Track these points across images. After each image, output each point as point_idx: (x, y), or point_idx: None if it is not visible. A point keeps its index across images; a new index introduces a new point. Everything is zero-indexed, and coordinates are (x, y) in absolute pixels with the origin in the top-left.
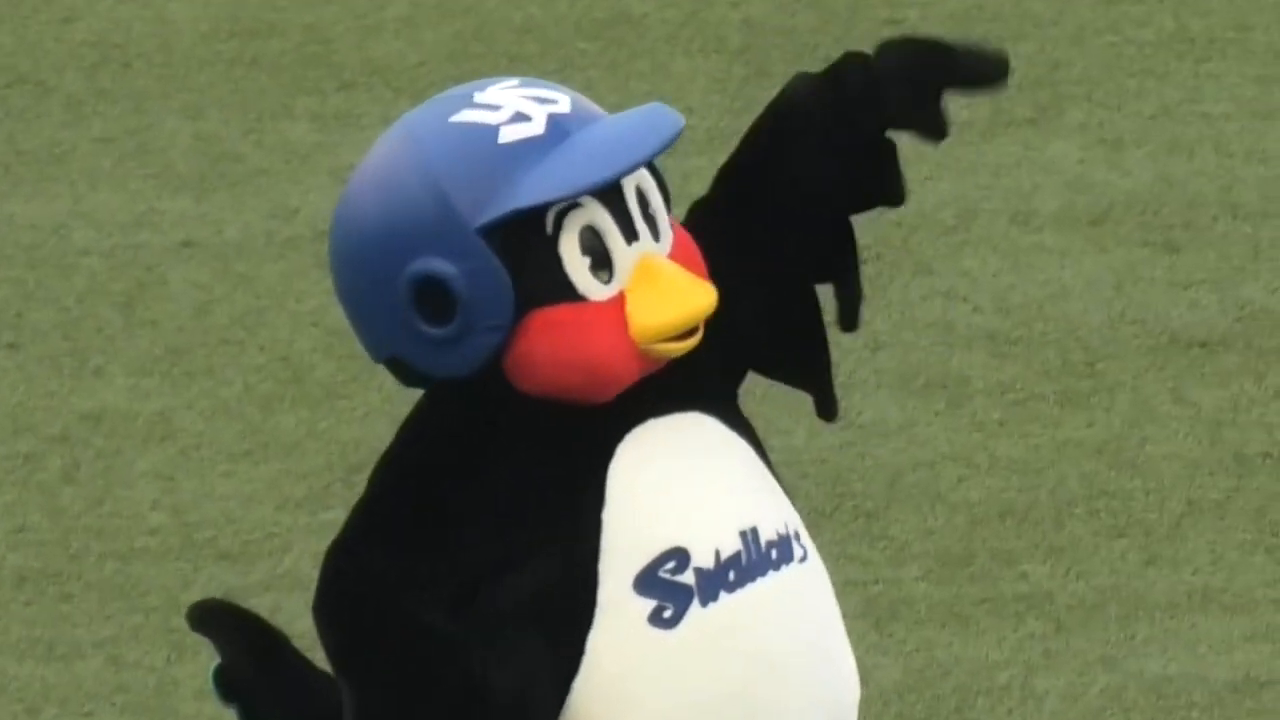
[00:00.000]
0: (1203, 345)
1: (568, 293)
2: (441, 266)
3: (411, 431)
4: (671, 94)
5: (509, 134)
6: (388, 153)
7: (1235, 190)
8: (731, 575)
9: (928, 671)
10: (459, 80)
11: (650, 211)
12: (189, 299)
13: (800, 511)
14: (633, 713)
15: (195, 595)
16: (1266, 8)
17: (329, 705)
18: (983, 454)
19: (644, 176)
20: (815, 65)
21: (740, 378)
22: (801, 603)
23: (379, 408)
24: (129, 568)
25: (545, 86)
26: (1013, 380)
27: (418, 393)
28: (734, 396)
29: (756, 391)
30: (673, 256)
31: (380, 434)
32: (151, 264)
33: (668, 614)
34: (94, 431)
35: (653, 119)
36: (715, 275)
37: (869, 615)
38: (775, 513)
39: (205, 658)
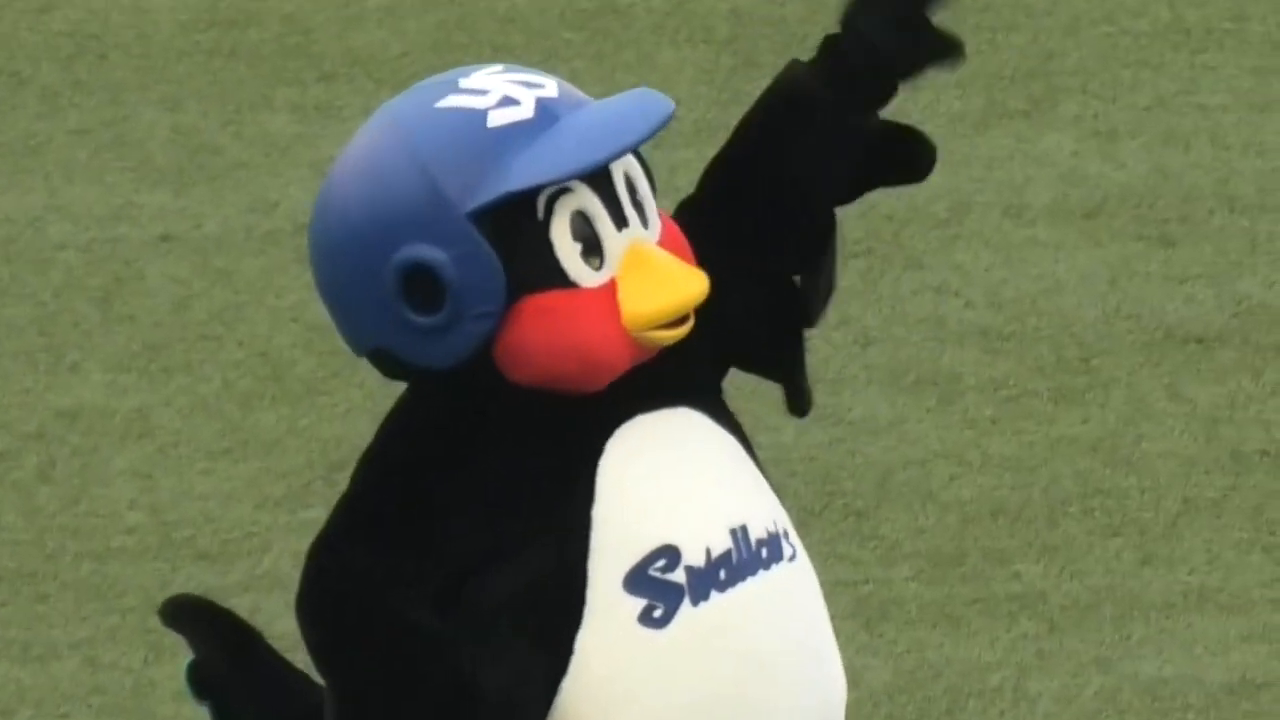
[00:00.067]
0: (1199, 341)
1: (559, 279)
2: (430, 253)
3: (395, 425)
4: (658, 85)
5: (497, 118)
6: (372, 140)
7: (1232, 183)
8: (722, 574)
9: (919, 673)
10: (442, 71)
11: (638, 199)
12: (167, 294)
13: (789, 510)
14: (622, 713)
15: None
16: None
17: (303, 703)
18: (975, 451)
19: (632, 164)
20: (804, 55)
21: (725, 371)
22: (791, 602)
23: (360, 404)
24: (106, 567)
25: (531, 72)
26: (1005, 376)
27: (400, 388)
28: (720, 391)
29: (745, 388)
30: (661, 245)
31: (362, 431)
32: (129, 258)
33: (658, 613)
34: (70, 429)
35: (643, 103)
36: (705, 267)
37: (859, 615)
38: (764, 511)
39: (183, 659)
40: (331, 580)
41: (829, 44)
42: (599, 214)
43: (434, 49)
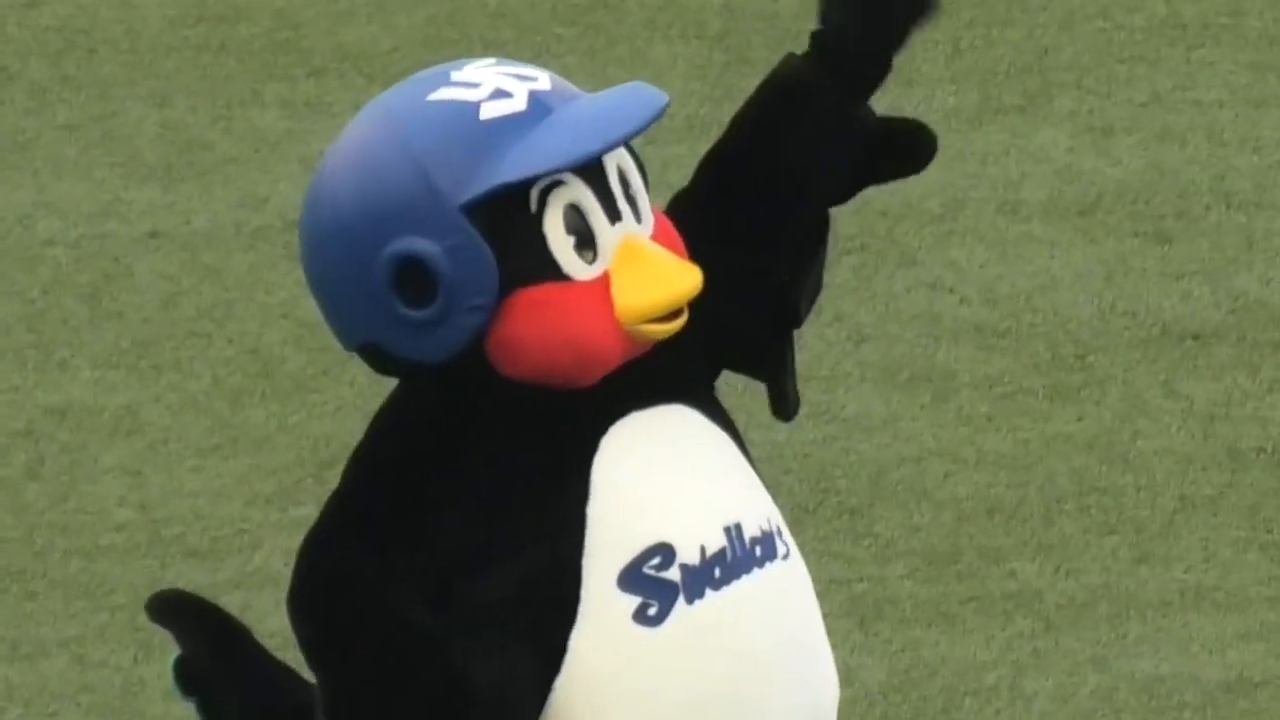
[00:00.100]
0: (1195, 337)
1: (552, 271)
2: (423, 245)
3: (387, 421)
4: (650, 81)
5: (490, 110)
6: (364, 133)
7: (1228, 179)
8: (717, 572)
9: (914, 672)
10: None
11: (631, 193)
12: (156, 290)
13: (783, 508)
14: (616, 711)
15: None
16: None
17: (291, 699)
18: (970, 449)
19: (624, 158)
20: (797, 50)
21: (718, 369)
22: (785, 601)
23: (351, 402)
24: (95, 565)
25: (523, 65)
26: (1000, 373)
27: (390, 385)
28: (713, 388)
29: (738, 385)
30: (654, 239)
31: (352, 428)
32: (118, 255)
33: (652, 611)
34: (59, 426)
35: (637, 96)
36: (698, 263)
37: (853, 614)
38: (758, 509)
39: (172, 656)
40: (323, 576)
41: (814, 38)
42: (592, 207)
43: (424, 44)
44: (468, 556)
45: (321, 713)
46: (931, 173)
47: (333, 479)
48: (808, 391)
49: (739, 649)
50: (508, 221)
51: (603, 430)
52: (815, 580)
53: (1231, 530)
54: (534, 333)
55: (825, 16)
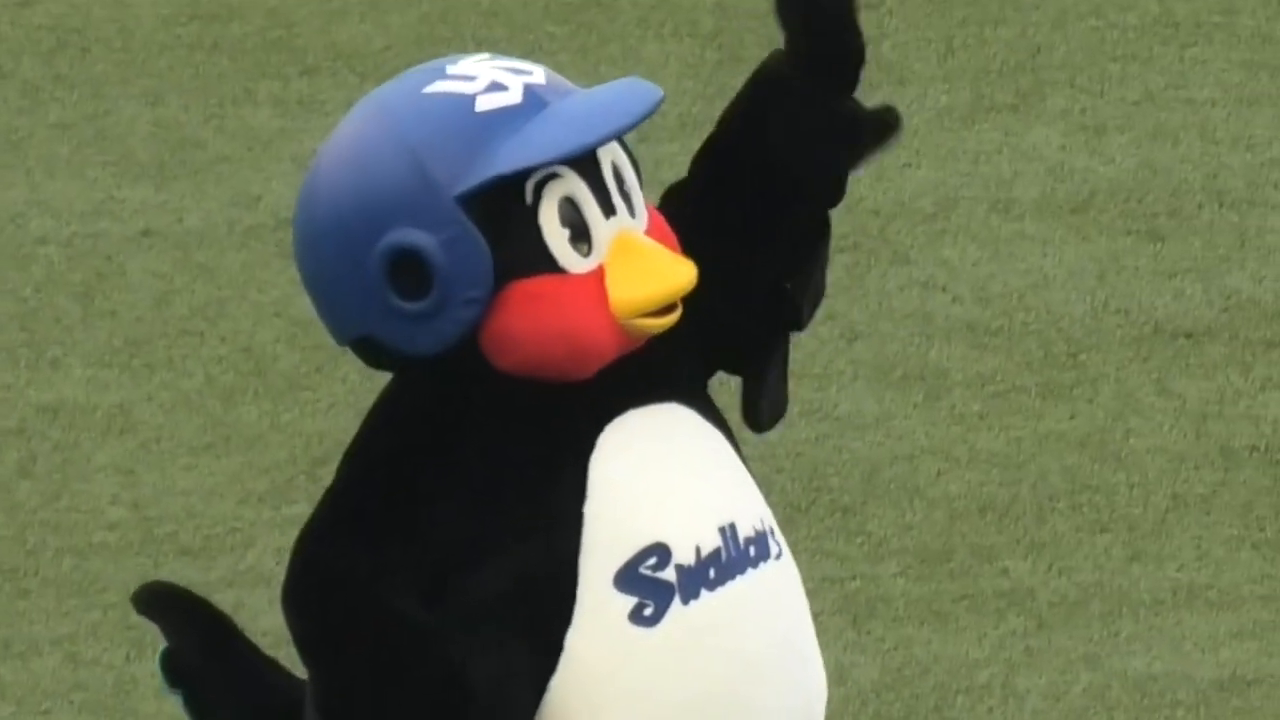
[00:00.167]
0: (1188, 336)
1: (547, 264)
2: (418, 237)
3: (380, 416)
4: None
5: (486, 103)
6: (359, 126)
7: (1221, 177)
8: (712, 573)
9: (906, 670)
10: None
11: (625, 189)
12: (149, 289)
13: (776, 506)
14: (612, 711)
15: None
16: None
17: (277, 692)
18: (962, 447)
19: (619, 154)
20: None
21: (712, 369)
22: (778, 601)
23: (343, 399)
24: (87, 563)
25: (517, 60)
26: (993, 372)
27: (383, 383)
28: (706, 387)
29: (731, 383)
30: (648, 234)
31: (345, 426)
32: (110, 253)
33: (648, 611)
34: (51, 424)
35: (632, 90)
36: (693, 259)
37: (846, 612)
38: (752, 508)
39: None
40: (318, 572)
41: (791, 32)
42: (587, 200)
43: (417, 43)
44: (462, 549)
45: (314, 709)
46: (924, 171)
47: (325, 477)
48: (800, 389)
49: (734, 650)
50: (503, 213)
51: (599, 428)
52: (808, 578)
53: (1224, 528)
54: (528, 325)
55: (779, 18)
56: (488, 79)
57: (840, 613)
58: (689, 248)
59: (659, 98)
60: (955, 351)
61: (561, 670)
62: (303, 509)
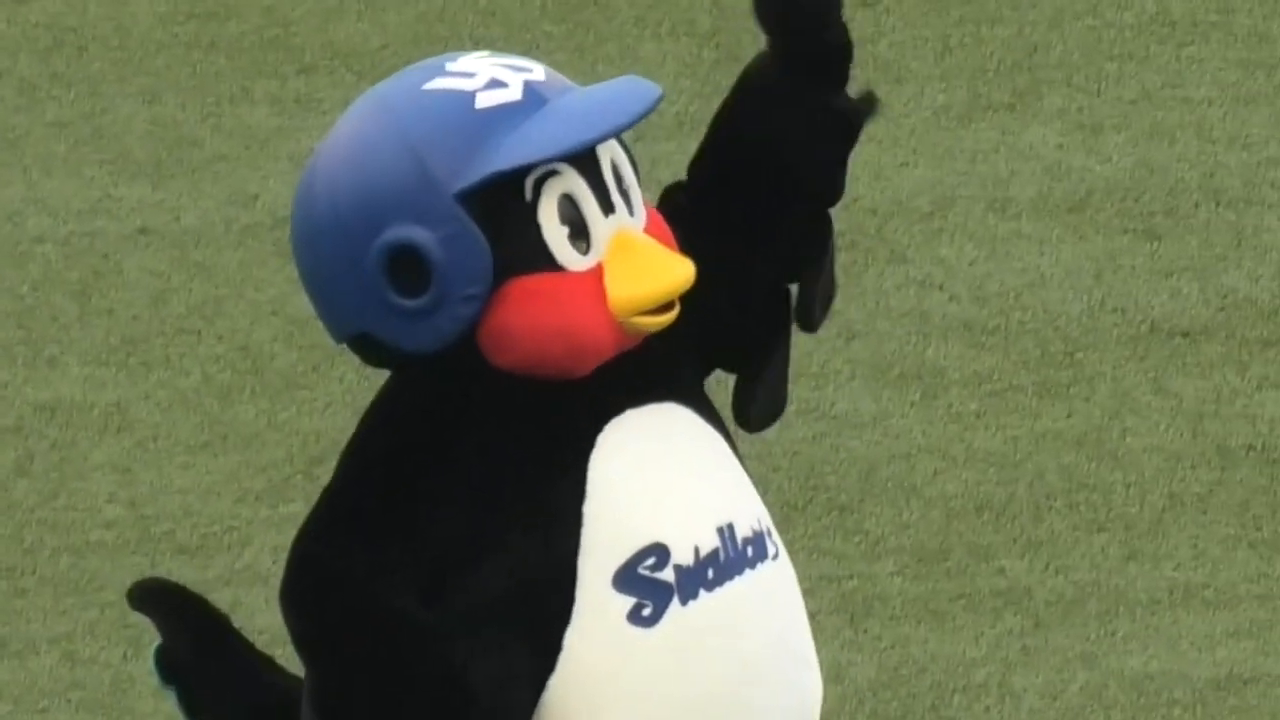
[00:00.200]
0: (1184, 335)
1: (546, 261)
2: (417, 234)
3: (378, 414)
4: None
5: (486, 100)
6: (359, 122)
7: (1217, 176)
8: (710, 573)
9: (903, 669)
10: None
11: (624, 187)
12: (145, 287)
13: (773, 505)
14: (610, 711)
15: None
16: None
17: (271, 690)
18: (959, 446)
19: (618, 152)
20: None
21: (710, 369)
22: (774, 602)
23: (340, 398)
24: (84, 562)
25: (517, 57)
26: (990, 371)
27: (380, 381)
28: (704, 386)
29: (727, 381)
30: (646, 233)
31: (342, 425)
32: (107, 252)
33: (647, 612)
34: (48, 422)
35: (631, 87)
36: (692, 258)
37: (843, 611)
38: (749, 509)
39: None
40: (316, 570)
41: (770, 29)
42: (586, 198)
43: (414, 41)
44: (460, 547)
45: (312, 709)
46: (921, 170)
47: (322, 476)
48: (797, 388)
49: (732, 650)
50: (502, 210)
51: (599, 426)
52: (805, 577)
53: (1220, 528)
54: (526, 322)
55: (758, 19)
56: (488, 76)
57: (837, 611)
58: (689, 247)
59: (658, 96)
60: (952, 350)
61: (560, 670)
62: (299, 508)
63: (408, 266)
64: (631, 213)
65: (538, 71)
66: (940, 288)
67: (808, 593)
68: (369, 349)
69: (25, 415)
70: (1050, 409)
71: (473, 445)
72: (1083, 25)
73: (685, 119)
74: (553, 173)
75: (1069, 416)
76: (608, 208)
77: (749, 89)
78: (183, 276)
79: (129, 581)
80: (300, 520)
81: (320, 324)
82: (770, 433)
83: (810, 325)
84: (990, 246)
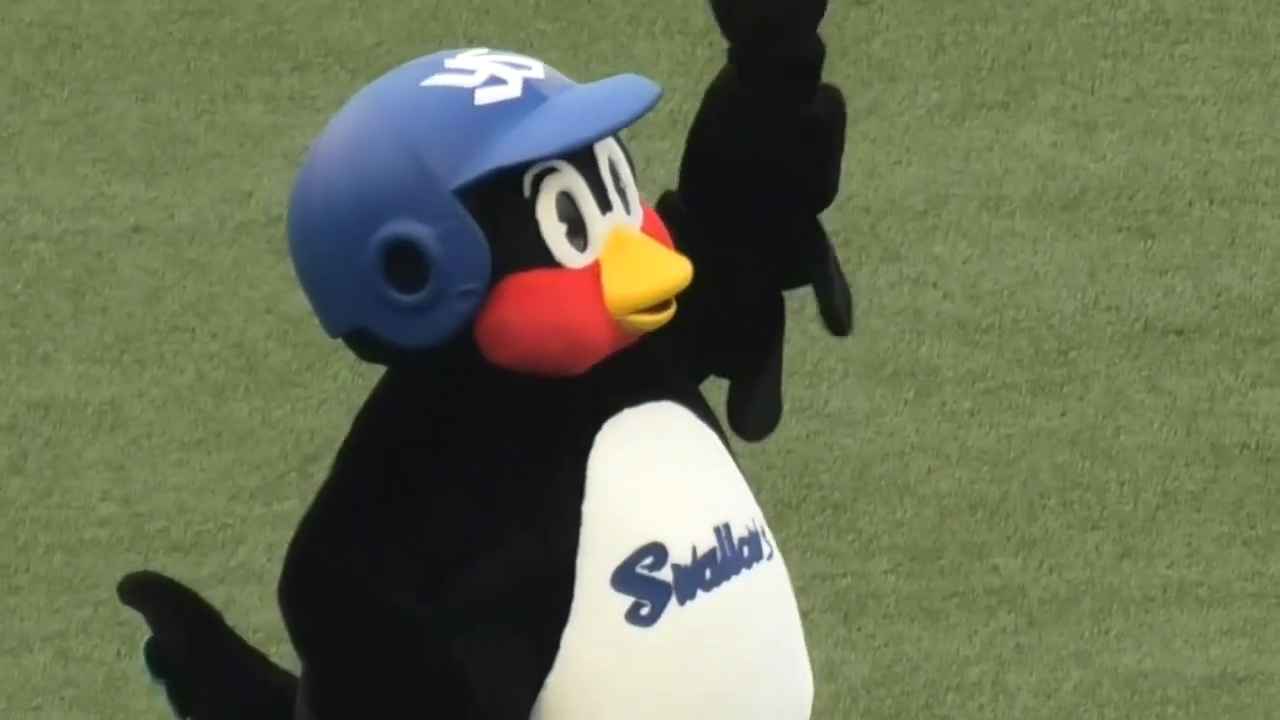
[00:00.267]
0: (1178, 333)
1: (544, 258)
2: (415, 229)
3: (375, 410)
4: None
5: (484, 96)
6: (357, 118)
7: (1211, 175)
8: (708, 573)
9: (897, 667)
10: None
11: (621, 185)
12: (139, 285)
13: (766, 503)
14: (608, 710)
15: None
16: None
17: (264, 685)
18: (953, 444)
19: (615, 149)
20: None
21: (706, 371)
22: (770, 602)
23: (335, 396)
24: (78, 560)
25: (515, 54)
26: (983, 369)
27: (374, 379)
28: (699, 386)
29: (721, 383)
30: (644, 231)
31: (336, 423)
32: (101, 249)
33: (645, 611)
34: (42, 420)
35: (630, 86)
36: (690, 258)
37: (837, 609)
38: (745, 508)
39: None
40: (313, 568)
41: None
42: (584, 195)
43: (408, 39)
44: (458, 543)
45: (309, 706)
46: (914, 168)
47: (317, 473)
48: (791, 386)
49: (729, 650)
50: (500, 206)
51: (597, 425)
52: (798, 575)
53: (1214, 525)
54: (524, 319)
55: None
56: (486, 73)
57: (831, 610)
58: (686, 247)
59: (657, 94)
60: (946, 348)
61: (558, 669)
62: (294, 505)
63: (405, 262)
64: (629, 211)
65: (536, 69)
66: (934, 286)
67: (801, 591)
68: (365, 345)
69: (19, 413)
70: (1044, 407)
71: (470, 441)
72: (1076, 23)
73: (679, 117)
74: (551, 170)
75: (1063, 414)
76: (605, 206)
77: (719, 102)
78: (177, 274)
79: None
80: (295, 518)
81: (315, 321)
82: None
83: (841, 328)
84: (984, 244)
